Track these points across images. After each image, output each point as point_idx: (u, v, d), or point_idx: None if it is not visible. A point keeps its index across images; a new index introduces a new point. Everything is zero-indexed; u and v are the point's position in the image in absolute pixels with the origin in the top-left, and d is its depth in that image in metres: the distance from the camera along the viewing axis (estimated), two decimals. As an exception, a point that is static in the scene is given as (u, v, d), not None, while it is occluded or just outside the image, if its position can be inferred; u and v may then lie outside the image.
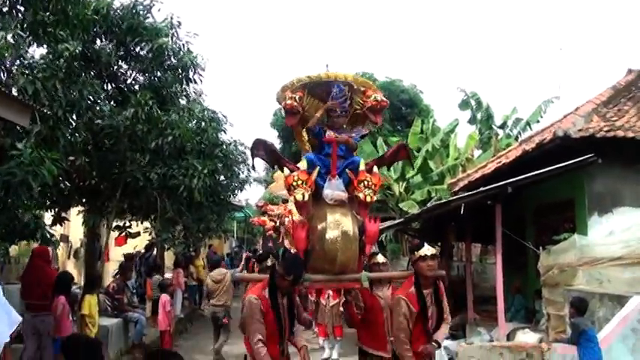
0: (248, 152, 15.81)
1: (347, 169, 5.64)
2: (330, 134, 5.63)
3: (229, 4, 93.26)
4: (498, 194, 10.20)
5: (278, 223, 12.11)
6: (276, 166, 6.48)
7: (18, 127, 7.64)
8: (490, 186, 10.63)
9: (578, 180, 10.80)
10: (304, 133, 6.08)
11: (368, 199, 5.51)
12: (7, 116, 6.55)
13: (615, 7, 67.26)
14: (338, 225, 5.31)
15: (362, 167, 5.64)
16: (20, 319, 4.80)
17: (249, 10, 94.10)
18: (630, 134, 10.58)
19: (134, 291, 12.81)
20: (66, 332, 7.58)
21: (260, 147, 5.82)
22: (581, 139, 10.29)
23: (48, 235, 8.91)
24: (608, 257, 9.42)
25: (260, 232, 30.35)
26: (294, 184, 5.42)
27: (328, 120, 5.81)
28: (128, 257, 14.67)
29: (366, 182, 5.52)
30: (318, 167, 5.57)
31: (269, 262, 6.88)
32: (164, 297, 10.98)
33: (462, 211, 10.45)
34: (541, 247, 10.61)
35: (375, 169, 5.80)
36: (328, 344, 11.87)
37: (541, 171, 9.89)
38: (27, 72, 8.94)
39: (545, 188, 11.52)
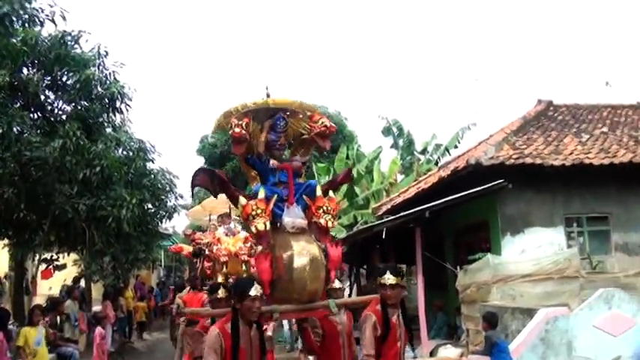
0: (175, 181, 16.01)
1: (303, 195, 5.51)
2: (274, 163, 5.52)
3: (151, 32, 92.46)
4: (418, 218, 10.82)
5: (207, 251, 12.22)
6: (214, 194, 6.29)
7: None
8: (410, 211, 11.23)
9: (491, 203, 11.60)
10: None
11: (329, 224, 5.38)
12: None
13: (527, 42, 71.11)
14: (305, 252, 5.15)
15: (319, 193, 5.50)
16: None
17: (171, 36, 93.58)
18: (538, 161, 11.47)
19: (75, 324, 12.62)
20: None
21: (205, 176, 5.72)
22: (492, 167, 11.09)
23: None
24: (519, 274, 10.19)
25: (188, 260, 30.05)
26: (254, 213, 5.19)
27: (269, 151, 5.63)
28: (70, 290, 14.40)
29: (325, 208, 5.40)
30: (277, 194, 5.42)
31: (220, 294, 6.47)
32: (97, 330, 10.86)
33: (383, 235, 10.99)
34: (458, 267, 11.29)
35: (331, 193, 5.68)
36: None
37: (455, 196, 10.61)
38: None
39: (461, 211, 12.26)
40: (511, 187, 10.84)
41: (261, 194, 5.29)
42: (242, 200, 5.33)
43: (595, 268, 11.48)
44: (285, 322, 14.14)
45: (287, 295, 5.18)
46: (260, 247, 5.40)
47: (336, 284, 6.25)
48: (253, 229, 5.22)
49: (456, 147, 23.96)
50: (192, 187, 5.86)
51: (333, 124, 5.76)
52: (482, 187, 10.50)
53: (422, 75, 76.50)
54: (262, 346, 4.88)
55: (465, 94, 69.04)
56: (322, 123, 5.61)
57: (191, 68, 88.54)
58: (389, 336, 5.02)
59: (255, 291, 4.65)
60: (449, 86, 75.70)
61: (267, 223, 5.19)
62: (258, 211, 5.18)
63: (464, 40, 75.57)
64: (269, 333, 11.21)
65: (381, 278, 5.10)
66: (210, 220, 13.19)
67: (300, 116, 5.75)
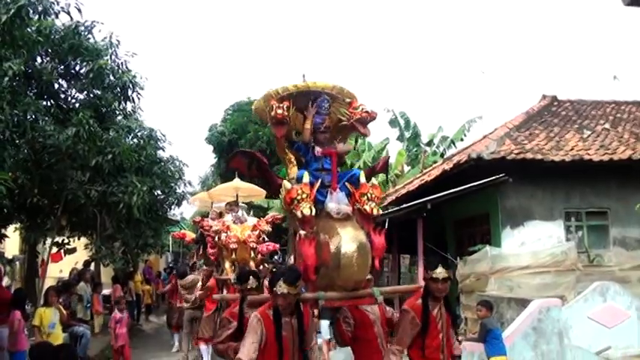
0: (185, 168, 16.37)
1: (346, 182, 5.36)
2: (319, 150, 5.41)
3: (162, 22, 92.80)
4: (419, 210, 11.11)
5: (217, 238, 12.47)
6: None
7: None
8: (412, 202, 11.53)
9: (492, 197, 11.89)
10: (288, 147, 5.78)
11: (374, 211, 5.22)
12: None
13: (536, 35, 70.96)
14: (354, 239, 4.94)
15: (363, 180, 5.32)
16: None
17: (181, 26, 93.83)
18: (539, 156, 11.74)
19: (87, 305, 13.01)
20: (21, 346, 7.83)
21: (242, 159, 5.63)
22: (493, 161, 11.36)
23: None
24: (516, 266, 10.48)
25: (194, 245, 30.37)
26: (299, 197, 5.05)
27: (314, 135, 5.54)
28: (81, 273, 14.77)
29: (369, 195, 5.22)
30: (320, 180, 5.29)
31: (251, 284, 6.15)
32: (114, 314, 10.90)
33: (385, 226, 11.28)
34: (458, 258, 11.59)
35: (374, 180, 5.52)
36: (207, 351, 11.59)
37: (456, 190, 10.93)
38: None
39: (464, 204, 12.55)
40: (511, 181, 11.12)
41: (306, 178, 5.19)
42: (286, 184, 5.24)
43: (593, 261, 11.77)
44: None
45: (331, 282, 5.02)
46: (303, 232, 5.15)
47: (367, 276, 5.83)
48: (299, 214, 5.06)
49: (462, 139, 24.09)
50: (228, 169, 5.72)
51: (375, 111, 5.61)
52: (482, 182, 10.80)
53: (429, 67, 76.54)
54: (300, 335, 4.76)
55: (472, 87, 69.08)
56: (363, 109, 5.50)
57: (200, 58, 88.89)
58: (429, 329, 4.96)
59: (280, 288, 4.60)
60: (456, 79, 75.72)
61: (313, 208, 5.06)
62: (304, 196, 5.06)
63: (471, 33, 75.47)
64: None
65: (432, 272, 4.98)
66: (212, 207, 13.50)
67: (340, 102, 5.64)
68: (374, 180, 5.47)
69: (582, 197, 12.35)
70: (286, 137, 5.64)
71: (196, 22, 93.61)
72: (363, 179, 5.30)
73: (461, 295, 11.14)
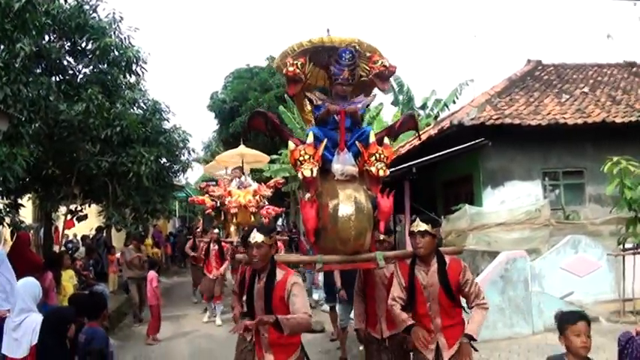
0: (188, 137, 17.23)
1: (356, 142, 5.21)
2: (333, 107, 5.22)
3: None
4: (405, 173, 11.98)
5: (219, 204, 13.30)
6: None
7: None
8: (399, 167, 12.40)
9: (474, 159, 12.75)
10: (307, 104, 5.71)
11: (380, 173, 5.02)
12: (-12, 124, 7.75)
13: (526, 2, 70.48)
14: (351, 201, 4.81)
15: (372, 139, 5.14)
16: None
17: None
18: (517, 121, 12.50)
19: (90, 268, 13.92)
20: (51, 301, 8.66)
21: (259, 119, 5.47)
22: (473, 127, 12.16)
23: (18, 222, 10.12)
24: (493, 222, 11.37)
25: (201, 210, 31.30)
26: (301, 158, 4.92)
27: (332, 88, 5.37)
28: (83, 238, 15.74)
29: (377, 155, 5.04)
30: (326, 140, 5.13)
31: None
32: (151, 273, 11.27)
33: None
34: (443, 216, 12.50)
35: (387, 140, 5.31)
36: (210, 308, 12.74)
37: (438, 154, 11.76)
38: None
39: (450, 166, 13.42)
40: (490, 145, 11.94)
41: (310, 139, 5.05)
42: (290, 145, 5.08)
43: (569, 217, 12.57)
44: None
45: (332, 244, 4.93)
46: (307, 194, 5.07)
47: (380, 235, 5.72)
48: (300, 176, 4.97)
49: (454, 102, 24.62)
50: (249, 129, 5.64)
51: (394, 65, 5.42)
52: (463, 146, 11.62)
53: (421, 31, 76.34)
54: (267, 293, 4.26)
55: (464, 51, 69.08)
56: (381, 63, 5.34)
57: (199, 26, 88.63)
58: (415, 294, 4.62)
59: (252, 238, 4.29)
60: (448, 42, 75.67)
61: (315, 170, 4.92)
62: (306, 157, 4.93)
63: (466, -4, 74.98)
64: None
65: (410, 226, 4.69)
66: (226, 172, 14.31)
67: (361, 57, 5.46)
68: (387, 140, 5.32)
69: (559, 158, 13.13)
70: (304, 94, 5.55)
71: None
72: (372, 138, 5.17)
73: (445, 251, 12.06)
